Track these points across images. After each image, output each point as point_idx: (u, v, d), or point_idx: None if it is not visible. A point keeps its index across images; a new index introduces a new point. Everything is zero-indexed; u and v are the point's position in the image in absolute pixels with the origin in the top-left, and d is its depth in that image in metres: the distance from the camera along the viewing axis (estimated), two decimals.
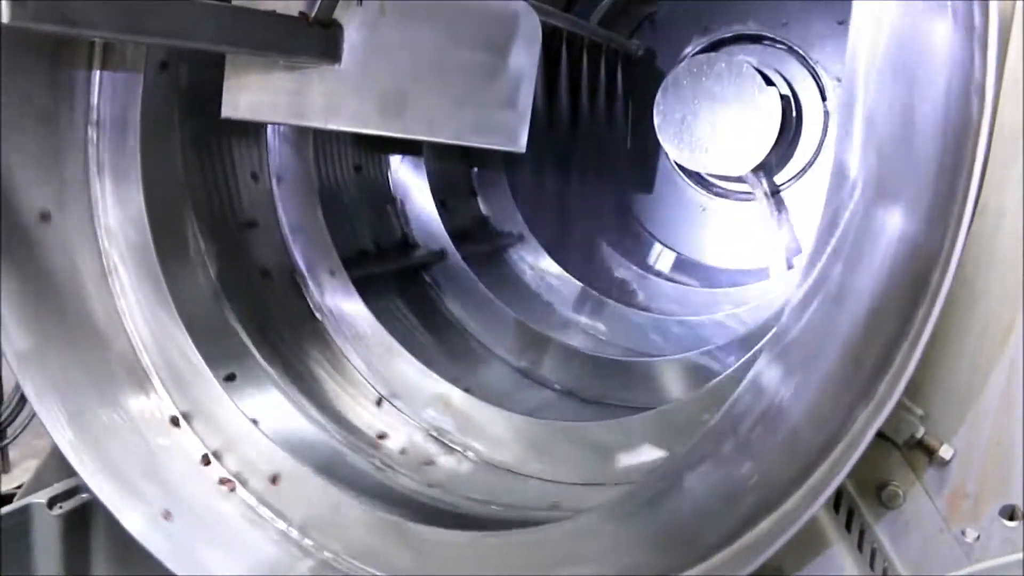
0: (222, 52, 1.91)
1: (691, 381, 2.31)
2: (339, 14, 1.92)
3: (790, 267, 2.94)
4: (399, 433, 2.24)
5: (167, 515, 1.84)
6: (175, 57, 2.08)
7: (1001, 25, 1.29)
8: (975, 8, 1.08)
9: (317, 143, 2.51)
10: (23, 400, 2.98)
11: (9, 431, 3.40)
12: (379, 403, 2.30)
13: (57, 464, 1.93)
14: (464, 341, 2.70)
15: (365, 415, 2.27)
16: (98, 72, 1.98)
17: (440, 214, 2.87)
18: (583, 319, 3.03)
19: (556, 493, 1.96)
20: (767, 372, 1.28)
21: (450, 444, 2.20)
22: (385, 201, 2.86)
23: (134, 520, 1.84)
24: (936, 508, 1.40)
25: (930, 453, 1.38)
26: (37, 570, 1.90)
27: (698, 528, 1.36)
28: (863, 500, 1.43)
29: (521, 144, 2.02)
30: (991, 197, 1.33)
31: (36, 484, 1.99)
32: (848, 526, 1.43)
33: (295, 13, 1.86)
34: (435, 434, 2.23)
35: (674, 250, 3.34)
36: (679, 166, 3.28)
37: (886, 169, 1.15)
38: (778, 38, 3.19)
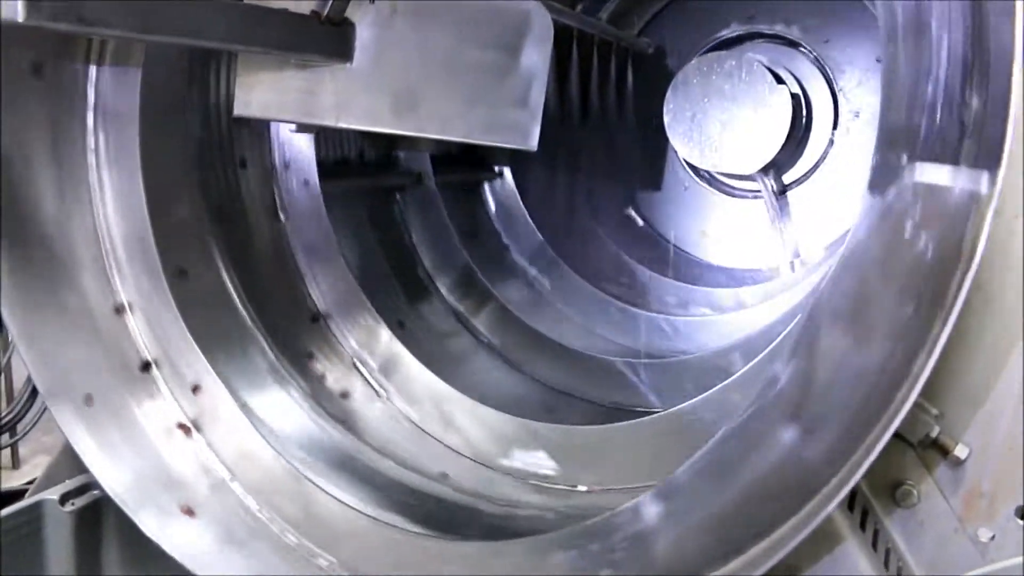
0: (234, 50, 1.91)
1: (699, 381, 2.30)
2: (351, 13, 1.92)
3: (792, 269, 2.94)
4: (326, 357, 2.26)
5: (188, 511, 1.85)
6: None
7: None
8: None
9: None
10: (33, 395, 2.99)
11: (19, 427, 3.41)
12: (314, 320, 2.31)
13: (68, 461, 1.93)
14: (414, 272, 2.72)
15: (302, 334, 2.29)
16: (94, 66, 1.97)
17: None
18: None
19: (449, 462, 1.98)
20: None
21: (369, 380, 2.22)
22: None
23: (147, 520, 1.84)
24: (951, 507, 1.40)
25: (945, 452, 1.37)
26: (49, 568, 1.90)
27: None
28: (877, 499, 1.42)
29: (533, 143, 2.02)
30: (1008, 199, 1.33)
31: (47, 481, 1.99)
32: (863, 525, 1.43)
33: (307, 12, 1.87)
34: (359, 366, 2.25)
35: (679, 247, 3.34)
36: (688, 164, 3.28)
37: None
38: (790, 37, 3.19)
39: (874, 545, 1.42)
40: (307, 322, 2.34)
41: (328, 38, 1.91)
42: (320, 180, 2.38)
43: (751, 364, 1.76)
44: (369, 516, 1.77)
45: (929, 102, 1.18)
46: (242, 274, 2.17)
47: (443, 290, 2.74)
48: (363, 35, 1.93)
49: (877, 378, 1.22)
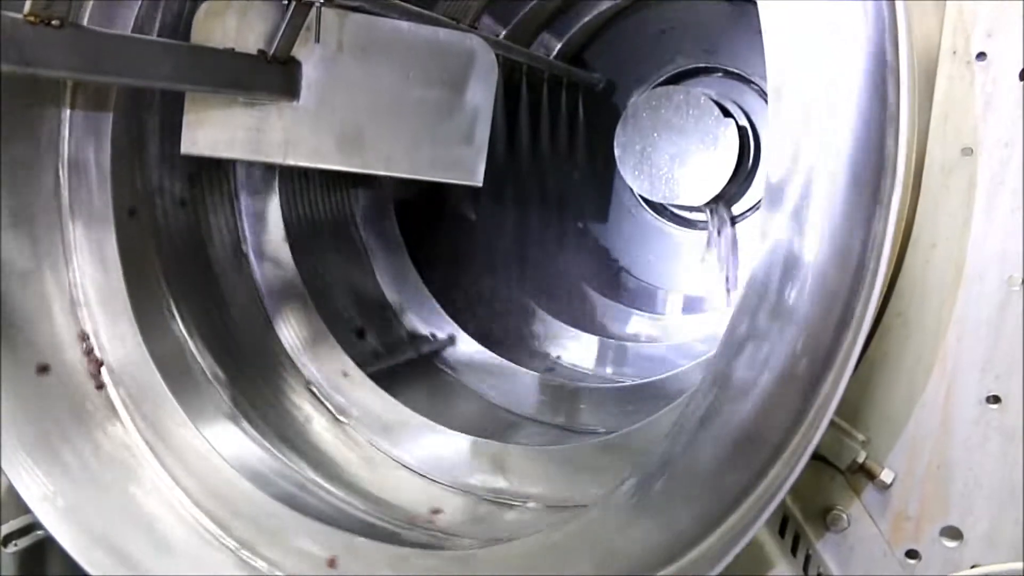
0: (181, 90, 1.93)
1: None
2: (297, 51, 1.96)
3: (729, 301, 3.00)
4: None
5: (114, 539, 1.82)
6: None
7: (927, 63, 1.36)
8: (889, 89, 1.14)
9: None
10: None
11: None
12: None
13: (12, 501, 1.91)
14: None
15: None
16: (68, 110, 1.97)
17: None
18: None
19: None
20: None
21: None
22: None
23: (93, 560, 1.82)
24: (880, 531, 1.44)
25: (872, 477, 1.41)
26: None
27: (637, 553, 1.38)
28: (809, 524, 1.46)
29: (478, 178, 2.06)
30: (923, 229, 1.39)
31: None
32: (794, 550, 1.46)
33: (253, 51, 1.90)
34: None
35: (634, 276, 3.39)
36: (640, 196, 3.34)
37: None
38: (737, 71, 3.27)
39: (805, 569, 1.46)
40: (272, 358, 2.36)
41: (275, 76, 1.95)
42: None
43: (681, 399, 1.80)
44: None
45: None
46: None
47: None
48: (309, 73, 1.97)
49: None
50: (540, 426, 2.56)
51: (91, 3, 1.81)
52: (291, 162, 2.00)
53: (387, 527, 1.97)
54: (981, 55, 1.35)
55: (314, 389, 2.37)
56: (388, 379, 2.46)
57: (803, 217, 1.20)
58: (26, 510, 1.86)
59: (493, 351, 2.79)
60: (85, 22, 1.74)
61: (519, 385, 2.70)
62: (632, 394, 2.51)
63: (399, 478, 2.21)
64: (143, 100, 2.07)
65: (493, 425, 2.51)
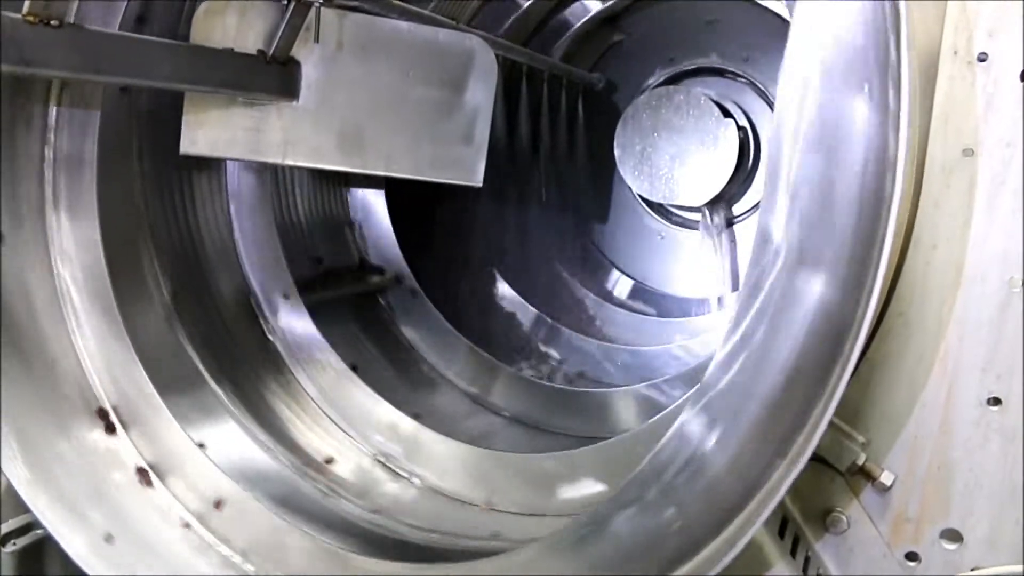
0: (181, 90, 1.93)
1: (640, 412, 2.34)
2: (296, 51, 1.95)
3: (726, 303, 3.00)
4: (347, 458, 2.26)
5: (109, 538, 1.82)
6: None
7: (928, 63, 1.36)
8: (890, 91, 1.13)
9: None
10: None
11: None
12: (328, 427, 2.31)
13: (11, 500, 1.91)
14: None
15: (315, 439, 2.28)
16: (55, 107, 1.98)
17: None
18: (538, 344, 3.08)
19: (498, 522, 1.99)
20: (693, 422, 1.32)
21: (397, 470, 2.23)
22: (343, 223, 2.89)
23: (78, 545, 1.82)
24: (879, 533, 1.43)
25: (871, 479, 1.41)
26: None
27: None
28: (808, 526, 1.46)
29: (478, 178, 2.06)
30: (924, 231, 1.38)
31: None
32: (793, 552, 1.46)
33: (253, 51, 1.89)
34: (383, 459, 2.25)
35: (632, 277, 3.39)
36: (640, 196, 3.34)
37: (807, 237, 1.20)
38: (739, 72, 3.27)
39: (805, 571, 1.45)
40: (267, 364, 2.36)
41: (274, 77, 1.94)
42: None
43: (677, 403, 1.80)
44: (317, 540, 1.79)
45: None
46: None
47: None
48: (309, 73, 1.97)
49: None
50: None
51: (91, 2, 1.81)
52: (290, 162, 2.00)
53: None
54: (982, 56, 1.35)
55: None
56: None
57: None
58: (25, 509, 1.86)
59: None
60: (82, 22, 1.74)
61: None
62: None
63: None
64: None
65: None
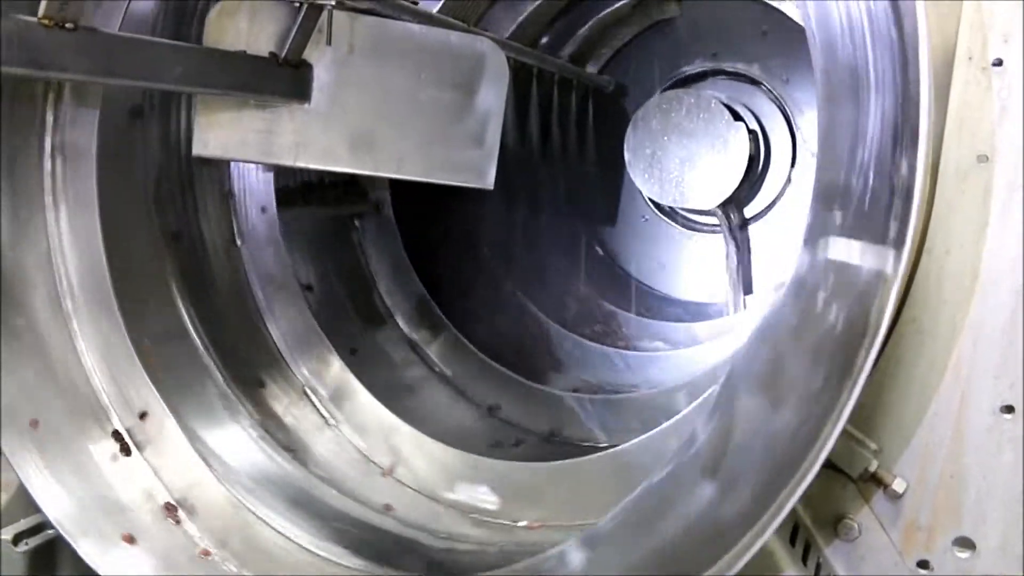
0: (192, 92, 1.93)
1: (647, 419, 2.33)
2: (308, 54, 1.95)
3: (736, 308, 2.99)
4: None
5: (130, 539, 1.84)
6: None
7: (943, 69, 1.35)
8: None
9: None
10: None
11: None
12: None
13: (22, 500, 1.92)
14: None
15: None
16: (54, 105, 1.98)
17: None
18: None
19: (394, 494, 2.02)
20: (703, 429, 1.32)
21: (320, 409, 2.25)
22: None
23: (87, 547, 1.83)
24: (891, 540, 1.42)
25: (883, 486, 1.40)
26: None
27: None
28: (820, 533, 1.45)
29: (489, 181, 2.06)
30: (938, 236, 1.38)
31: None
32: (804, 559, 1.45)
33: (265, 54, 1.90)
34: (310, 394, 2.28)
35: (640, 280, 3.38)
36: (650, 199, 3.33)
37: None
38: (749, 74, 3.26)
39: None
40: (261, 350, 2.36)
41: (286, 79, 1.95)
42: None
43: (687, 410, 1.79)
44: (310, 551, 1.78)
45: (863, 164, 1.22)
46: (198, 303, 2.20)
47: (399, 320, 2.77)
48: (321, 76, 1.97)
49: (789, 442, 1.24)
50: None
51: (103, 4, 1.82)
52: (302, 164, 2.00)
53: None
54: (997, 61, 1.34)
55: None
56: None
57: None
58: (36, 509, 1.87)
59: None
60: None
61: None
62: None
63: None
64: None
65: None
